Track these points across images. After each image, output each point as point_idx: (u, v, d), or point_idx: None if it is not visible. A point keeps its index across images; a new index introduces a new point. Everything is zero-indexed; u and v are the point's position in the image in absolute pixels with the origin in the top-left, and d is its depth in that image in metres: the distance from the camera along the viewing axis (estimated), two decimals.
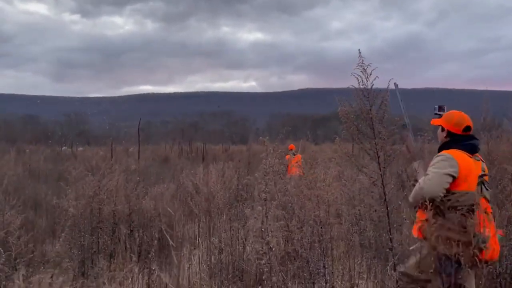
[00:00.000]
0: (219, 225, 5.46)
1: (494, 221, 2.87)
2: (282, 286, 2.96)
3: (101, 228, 5.57)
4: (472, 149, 2.92)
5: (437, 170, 2.79)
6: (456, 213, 2.71)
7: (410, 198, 2.93)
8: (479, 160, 2.97)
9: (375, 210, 4.04)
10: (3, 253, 3.76)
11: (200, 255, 5.34)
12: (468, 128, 2.99)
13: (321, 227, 2.92)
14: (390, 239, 2.72)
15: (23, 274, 5.02)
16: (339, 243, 4.00)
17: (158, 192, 6.57)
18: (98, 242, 5.52)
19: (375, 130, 2.75)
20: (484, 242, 2.62)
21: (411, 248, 2.92)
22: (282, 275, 3.75)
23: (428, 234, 2.66)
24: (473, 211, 2.71)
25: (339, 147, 3.03)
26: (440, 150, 3.00)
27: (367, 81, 2.66)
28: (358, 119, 2.85)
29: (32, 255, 4.86)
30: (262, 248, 2.52)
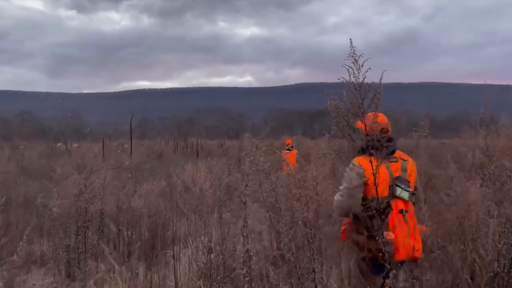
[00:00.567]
0: (209, 223, 5.29)
1: (415, 219, 2.87)
2: None
3: (87, 228, 5.40)
4: (388, 152, 2.85)
5: (347, 185, 2.88)
6: (370, 218, 2.76)
7: (335, 211, 3.01)
8: (397, 161, 2.95)
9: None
10: None
11: (190, 255, 5.17)
12: (385, 130, 2.96)
13: (310, 229, 2.75)
14: (383, 243, 2.55)
15: (4, 276, 4.88)
16: (331, 244, 3.82)
17: (148, 190, 6.40)
18: (85, 242, 5.35)
19: (367, 126, 2.56)
20: (387, 244, 2.65)
21: None
22: (274, 276, 3.61)
23: (347, 239, 2.83)
24: (386, 214, 2.76)
25: (328, 143, 2.90)
26: (359, 153, 3.03)
27: (358, 73, 2.46)
28: (349, 114, 2.68)
29: (12, 257, 4.67)
30: (242, 256, 2.34)
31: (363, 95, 2.49)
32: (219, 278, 4.45)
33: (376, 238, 2.63)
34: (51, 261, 5.20)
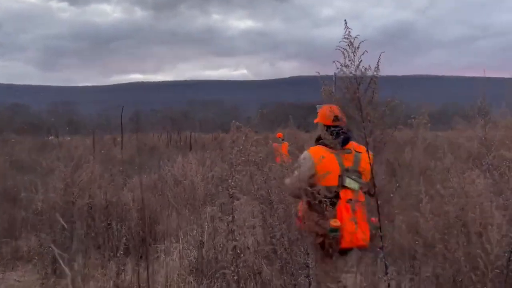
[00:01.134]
0: (200, 217, 5.15)
1: (364, 209, 2.95)
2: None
3: (74, 223, 5.23)
4: (342, 142, 2.99)
5: (297, 174, 2.99)
6: (321, 205, 2.85)
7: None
8: (350, 153, 3.02)
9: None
10: None
11: (181, 249, 5.02)
12: (336, 118, 3.06)
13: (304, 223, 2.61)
14: (380, 237, 2.41)
15: None
16: None
17: (137, 183, 6.24)
18: (72, 237, 5.18)
19: (363, 113, 2.40)
20: (333, 231, 2.79)
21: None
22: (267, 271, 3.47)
23: (303, 225, 2.88)
24: (334, 203, 2.89)
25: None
26: (316, 142, 3.19)
27: (354, 55, 2.30)
28: (344, 100, 2.54)
29: None
30: (230, 253, 2.20)
31: (359, 79, 2.33)
32: (210, 273, 4.31)
33: (325, 226, 2.76)
34: (36, 257, 5.03)
